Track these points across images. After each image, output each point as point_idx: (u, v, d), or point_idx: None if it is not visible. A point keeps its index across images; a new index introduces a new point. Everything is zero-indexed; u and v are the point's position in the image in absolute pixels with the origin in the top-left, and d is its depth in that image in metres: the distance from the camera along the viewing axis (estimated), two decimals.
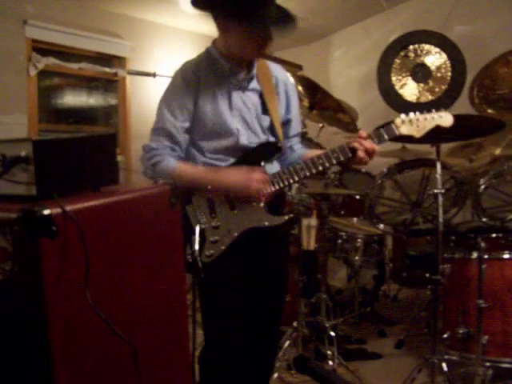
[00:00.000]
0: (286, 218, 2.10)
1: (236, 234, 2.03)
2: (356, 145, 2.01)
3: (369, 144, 2.01)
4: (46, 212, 1.11)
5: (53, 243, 1.12)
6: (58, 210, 1.14)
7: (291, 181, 2.07)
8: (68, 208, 1.15)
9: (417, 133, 2.11)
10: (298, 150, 2.30)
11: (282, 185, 2.06)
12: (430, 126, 2.12)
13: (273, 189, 2.05)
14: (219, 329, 2.07)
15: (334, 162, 2.05)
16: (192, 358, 1.56)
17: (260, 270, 2.17)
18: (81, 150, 1.33)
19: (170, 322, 1.45)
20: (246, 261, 2.10)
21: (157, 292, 1.41)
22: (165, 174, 2.00)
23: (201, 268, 1.74)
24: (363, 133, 2.04)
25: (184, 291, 1.53)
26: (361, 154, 2.00)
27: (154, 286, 1.40)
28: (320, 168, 2.05)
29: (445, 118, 2.14)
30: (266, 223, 2.06)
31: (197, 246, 1.78)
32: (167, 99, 2.09)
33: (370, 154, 2.02)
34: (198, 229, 1.89)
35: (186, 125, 2.08)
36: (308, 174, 2.06)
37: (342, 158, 2.04)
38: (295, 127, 2.30)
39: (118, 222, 1.29)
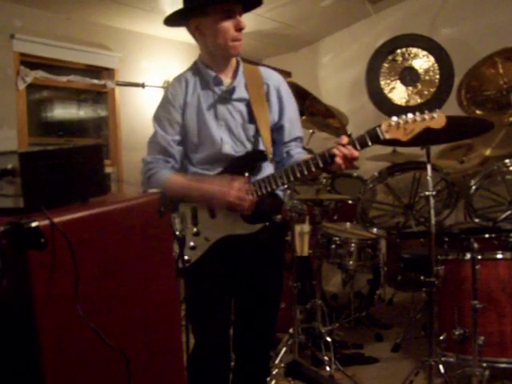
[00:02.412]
0: (260, 226, 2.10)
1: (212, 242, 2.09)
2: (335, 151, 1.97)
3: (347, 150, 1.96)
4: (34, 224, 1.10)
5: (41, 255, 1.11)
6: (45, 222, 1.13)
7: (269, 189, 2.05)
8: (56, 220, 1.14)
9: (403, 136, 2.01)
10: (296, 155, 2.24)
11: (260, 193, 2.05)
12: (418, 129, 2.01)
13: (251, 197, 2.04)
14: (201, 332, 2.13)
15: (313, 168, 2.00)
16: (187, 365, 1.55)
17: (243, 275, 2.19)
18: (68, 161, 1.33)
19: (163, 330, 1.44)
20: (227, 267, 2.15)
21: (149, 301, 1.40)
22: (158, 185, 2.08)
23: (180, 271, 1.87)
24: (344, 138, 1.99)
25: (176, 299, 1.53)
26: (338, 160, 1.96)
27: (146, 295, 1.39)
28: (298, 175, 2.02)
29: (437, 120, 2.01)
30: (238, 231, 2.09)
31: (176, 251, 1.88)
32: (157, 115, 2.19)
33: (348, 160, 1.97)
34: (177, 235, 1.99)
35: (177, 138, 2.15)
36: (286, 181, 2.04)
37: (320, 165, 2.00)
38: (291, 132, 2.26)
39: (107, 232, 1.28)
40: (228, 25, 2.07)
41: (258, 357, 2.31)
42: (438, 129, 2.02)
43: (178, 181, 2.11)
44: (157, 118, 2.17)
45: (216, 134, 2.12)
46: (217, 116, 2.14)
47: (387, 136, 1.99)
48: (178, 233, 2.00)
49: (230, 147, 2.13)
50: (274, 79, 2.26)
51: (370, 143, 1.99)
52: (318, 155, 2.01)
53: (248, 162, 2.14)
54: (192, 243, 2.08)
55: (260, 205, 2.09)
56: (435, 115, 2.00)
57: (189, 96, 2.15)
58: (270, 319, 2.31)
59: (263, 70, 2.27)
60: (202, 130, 2.13)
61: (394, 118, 2.00)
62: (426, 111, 2.01)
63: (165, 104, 2.17)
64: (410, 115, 2.00)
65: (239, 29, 2.10)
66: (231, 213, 2.07)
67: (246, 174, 2.10)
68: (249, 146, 2.18)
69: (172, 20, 2.17)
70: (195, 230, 2.10)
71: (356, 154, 1.96)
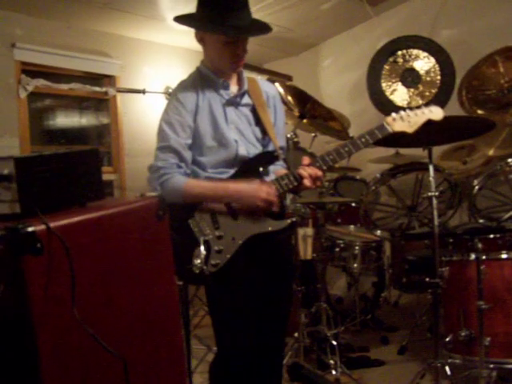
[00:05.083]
0: (289, 221, 2.16)
1: (241, 242, 2.06)
2: (301, 171, 2.07)
3: (311, 170, 2.07)
4: (30, 229, 1.10)
5: (38, 260, 1.10)
6: (42, 227, 1.12)
7: (291, 186, 2.10)
8: (52, 224, 1.13)
9: (409, 128, 2.18)
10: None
11: (282, 191, 2.10)
12: (421, 120, 2.19)
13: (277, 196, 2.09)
14: (233, 336, 2.08)
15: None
16: (189, 371, 1.54)
17: (267, 275, 2.18)
18: (64, 166, 1.32)
19: (163, 334, 1.43)
20: (253, 268, 2.12)
21: (148, 305, 1.39)
22: (174, 191, 2.02)
23: (208, 277, 1.87)
24: (306, 159, 2.11)
25: (176, 302, 1.51)
26: (307, 182, 2.06)
27: (145, 298, 1.38)
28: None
29: (435, 112, 2.22)
30: (270, 228, 2.10)
31: (202, 257, 1.87)
32: (168, 118, 2.12)
33: (313, 179, 2.08)
34: (202, 240, 1.97)
35: (189, 141, 2.12)
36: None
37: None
38: (278, 141, 2.32)
39: (104, 236, 1.27)
40: (230, 50, 2.09)
41: (274, 358, 2.28)
42: (438, 120, 2.22)
43: (200, 184, 2.08)
44: (168, 122, 2.10)
45: (230, 136, 2.13)
46: (227, 120, 2.15)
47: (395, 127, 2.15)
48: (203, 238, 1.99)
49: (244, 149, 2.15)
50: (270, 88, 2.34)
51: (380, 135, 2.13)
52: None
53: (260, 163, 2.16)
54: (217, 247, 2.03)
55: (281, 202, 2.16)
56: (432, 109, 2.22)
57: (200, 99, 2.13)
58: (287, 319, 2.33)
59: (259, 80, 2.33)
60: (216, 132, 2.12)
61: (397, 113, 2.17)
62: (423, 106, 2.22)
63: (175, 108, 2.11)
64: (409, 110, 2.19)
65: (241, 53, 2.11)
66: (252, 213, 2.06)
67: (268, 177, 2.14)
68: (259, 148, 2.22)
69: (182, 20, 2.15)
70: (218, 233, 2.05)
71: (320, 173, 2.08)
